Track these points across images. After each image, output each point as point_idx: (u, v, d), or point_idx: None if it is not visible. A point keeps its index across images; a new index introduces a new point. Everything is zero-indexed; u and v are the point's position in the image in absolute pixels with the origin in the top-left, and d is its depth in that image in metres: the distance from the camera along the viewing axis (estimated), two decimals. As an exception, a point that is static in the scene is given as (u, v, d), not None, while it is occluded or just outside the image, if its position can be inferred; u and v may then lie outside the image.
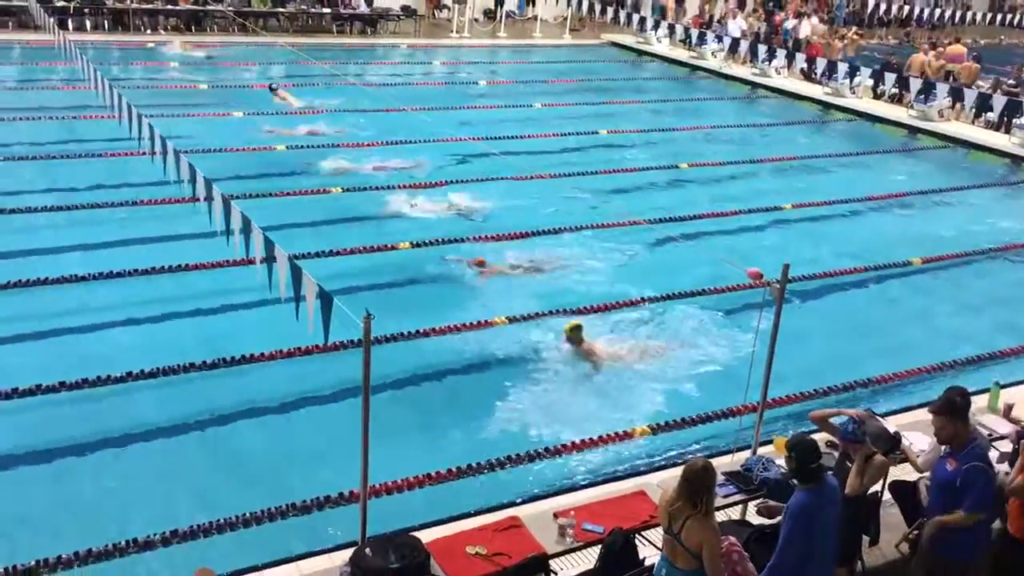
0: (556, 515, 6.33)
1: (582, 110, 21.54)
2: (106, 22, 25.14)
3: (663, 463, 8.09)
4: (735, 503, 6.88)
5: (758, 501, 6.66)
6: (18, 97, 18.17)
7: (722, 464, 6.83)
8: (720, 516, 6.12)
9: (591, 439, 8.41)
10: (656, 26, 28.10)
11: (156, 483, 7.57)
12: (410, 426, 8.46)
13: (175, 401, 8.64)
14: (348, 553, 5.89)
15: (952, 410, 6.14)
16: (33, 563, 6.34)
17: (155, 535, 6.66)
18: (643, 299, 11.36)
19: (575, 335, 9.85)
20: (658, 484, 6.81)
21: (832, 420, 6.60)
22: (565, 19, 31.88)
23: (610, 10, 27.06)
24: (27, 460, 7.69)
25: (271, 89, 19.40)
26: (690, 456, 7.56)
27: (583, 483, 7.68)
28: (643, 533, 6.34)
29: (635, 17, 27.29)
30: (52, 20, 18.21)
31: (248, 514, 6.99)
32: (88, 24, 24.66)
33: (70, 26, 23.23)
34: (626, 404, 9.13)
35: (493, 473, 7.85)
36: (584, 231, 13.48)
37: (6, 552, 6.50)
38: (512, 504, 7.08)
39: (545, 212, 14.16)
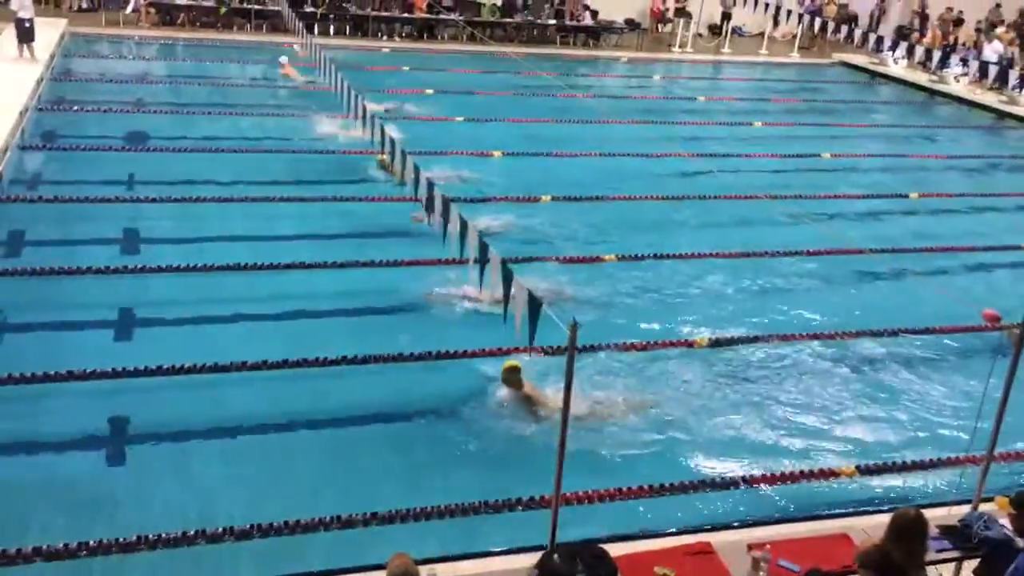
0: (750, 547, 6.10)
1: (805, 131, 20.76)
2: (347, 27, 26.79)
3: (869, 508, 7.62)
4: (949, 560, 6.37)
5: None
6: (267, 95, 19.65)
7: (936, 517, 6.35)
8: (931, 572, 5.68)
9: (792, 472, 8.06)
10: (894, 47, 26.60)
11: (357, 464, 7.92)
12: (604, 437, 8.41)
13: (382, 388, 9.01)
14: (536, 556, 5.93)
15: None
16: (248, 526, 6.79)
17: (356, 515, 6.96)
18: (858, 332, 10.77)
19: (512, 377, 8.66)
20: (863, 529, 6.44)
21: None
22: (794, 37, 30.86)
23: (844, 28, 25.86)
24: (241, 431, 8.26)
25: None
26: (900, 504, 7.09)
27: (781, 517, 7.36)
28: (843, 579, 6.00)
29: (871, 37, 25.92)
30: (301, 24, 19.60)
31: (443, 506, 7.17)
32: (331, 29, 26.37)
33: (316, 30, 24.93)
34: (834, 440, 8.69)
35: (686, 495, 7.67)
36: (799, 257, 12.96)
37: (207, 514, 6.96)
38: (705, 529, 6.89)
39: (758, 234, 13.74)
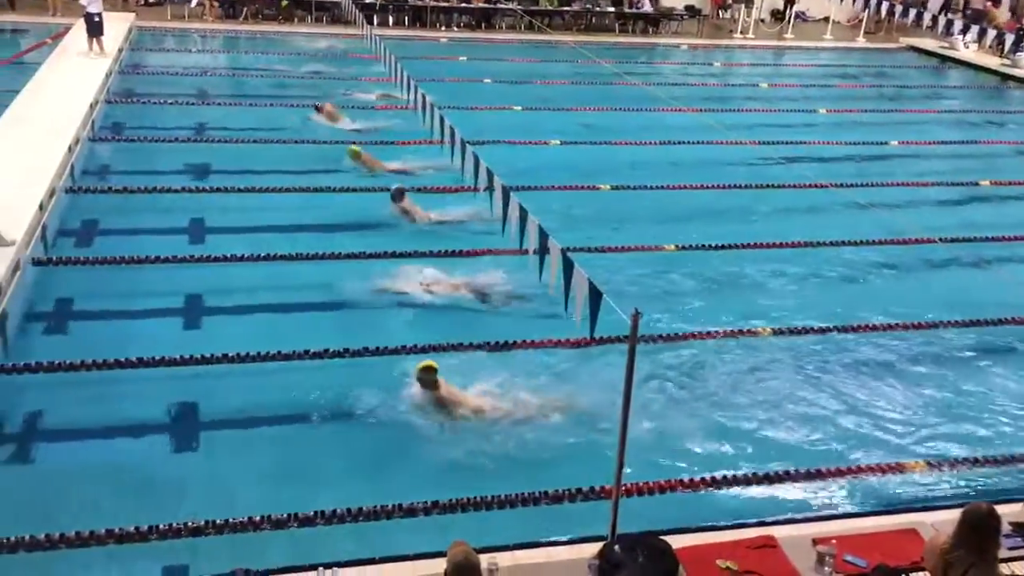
0: (815, 541, 6.00)
1: (872, 117, 20.34)
2: (406, 18, 26.93)
3: (938, 503, 7.44)
4: (1022, 557, 6.20)
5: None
6: (329, 86, 19.74)
7: (1009, 513, 6.17)
8: (1003, 569, 5.53)
9: (859, 467, 7.90)
10: (964, 30, 25.86)
11: (420, 453, 7.94)
12: (665, 428, 8.35)
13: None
14: (596, 547, 5.90)
15: None
16: (312, 513, 6.87)
17: (417, 503, 7.02)
18: (928, 323, 10.51)
19: (427, 376, 8.30)
20: (932, 524, 6.29)
21: None
22: (860, 21, 30.17)
23: (912, 12, 25.21)
24: (306, 418, 8.32)
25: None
26: (971, 499, 6.91)
27: (848, 511, 7.23)
28: (912, 574, 5.87)
29: (940, 20, 25.25)
30: (361, 16, 19.76)
31: (503, 496, 7.18)
32: (390, 20, 26.53)
33: (375, 21, 25.09)
34: (902, 433, 8.51)
35: (749, 487, 7.57)
36: (866, 246, 12.69)
37: (273, 500, 7.07)
38: (769, 522, 6.80)
39: (825, 223, 13.48)
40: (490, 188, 9.16)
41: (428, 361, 8.37)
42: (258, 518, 6.77)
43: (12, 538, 6.36)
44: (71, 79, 17.26)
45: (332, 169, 14.38)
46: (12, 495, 7.15)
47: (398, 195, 12.62)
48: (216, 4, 25.46)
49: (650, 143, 16.87)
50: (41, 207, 11.43)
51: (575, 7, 28.09)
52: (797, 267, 11.98)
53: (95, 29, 18.97)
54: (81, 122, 14.78)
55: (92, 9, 18.86)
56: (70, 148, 13.60)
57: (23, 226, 10.63)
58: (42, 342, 9.38)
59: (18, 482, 7.38)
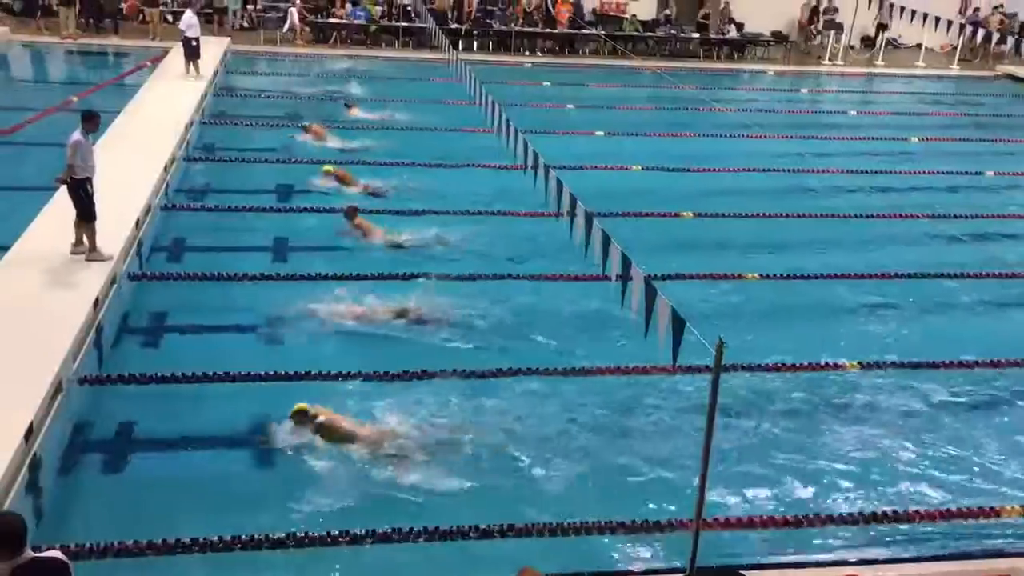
0: (903, 584, 5.81)
1: (966, 147, 19.75)
2: (490, 43, 27.25)
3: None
4: None
5: None
6: (412, 108, 20.01)
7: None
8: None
9: (951, 509, 7.61)
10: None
11: (497, 480, 7.92)
12: (747, 461, 8.18)
13: (504, 402, 8.91)
14: (674, 580, 5.82)
15: None
16: (389, 529, 6.91)
17: (493, 525, 7.01)
18: (1022, 361, 10.10)
19: (300, 420, 8.12)
20: (1029, 572, 6.03)
21: None
22: (954, 48, 29.40)
23: (1010, 39, 24.47)
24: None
25: (346, 105, 19.35)
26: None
27: (938, 555, 6.96)
28: (1007, 623, 5.63)
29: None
30: (446, 41, 20.04)
31: (578, 523, 7.12)
32: (475, 45, 26.88)
33: (460, 46, 25.43)
34: (997, 476, 8.18)
35: (834, 526, 7.35)
36: (954, 279, 12.29)
37: (349, 517, 7.13)
38: (853, 563, 6.60)
39: (915, 255, 13.10)
40: (572, 213, 9.14)
41: (300, 406, 8.13)
42: (336, 533, 6.84)
43: (102, 544, 6.57)
44: (169, 100, 17.89)
45: (413, 188, 14.56)
46: (103, 501, 7.39)
47: (351, 213, 12.65)
48: (307, 29, 26.17)
49: (734, 170, 16.68)
50: (137, 223, 11.84)
51: (659, 33, 28.04)
52: (884, 299, 11.66)
53: (192, 53, 19.69)
54: (177, 142, 15.27)
55: (190, 34, 19.59)
56: (166, 167, 14.07)
57: (120, 241, 11.02)
58: (135, 354, 9.69)
59: (108, 489, 7.62)
